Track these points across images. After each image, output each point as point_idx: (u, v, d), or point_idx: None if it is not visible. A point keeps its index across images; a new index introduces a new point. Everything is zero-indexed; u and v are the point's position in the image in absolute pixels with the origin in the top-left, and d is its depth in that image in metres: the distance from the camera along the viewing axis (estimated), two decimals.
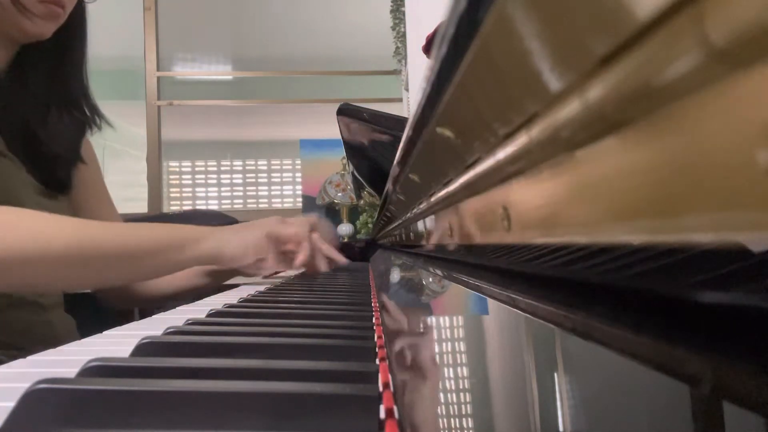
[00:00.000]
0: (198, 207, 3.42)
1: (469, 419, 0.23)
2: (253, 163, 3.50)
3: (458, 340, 0.30)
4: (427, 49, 0.83)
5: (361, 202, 2.11)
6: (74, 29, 0.86)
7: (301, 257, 0.84)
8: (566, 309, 0.15)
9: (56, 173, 0.82)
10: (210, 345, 0.32)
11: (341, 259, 0.97)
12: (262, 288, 0.85)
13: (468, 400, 0.24)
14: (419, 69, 1.54)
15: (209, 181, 3.48)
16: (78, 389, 0.22)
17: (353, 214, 2.25)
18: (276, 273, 0.90)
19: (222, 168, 3.50)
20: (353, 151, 1.20)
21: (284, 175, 3.51)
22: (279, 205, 3.48)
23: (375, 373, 0.26)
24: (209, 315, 0.46)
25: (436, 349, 0.32)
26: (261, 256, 0.81)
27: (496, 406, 0.21)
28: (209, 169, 3.49)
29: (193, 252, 0.75)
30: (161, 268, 0.74)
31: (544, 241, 0.16)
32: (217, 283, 0.99)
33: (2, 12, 0.74)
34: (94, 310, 0.97)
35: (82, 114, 0.89)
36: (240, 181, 3.49)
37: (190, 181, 3.46)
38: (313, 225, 0.89)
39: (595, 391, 0.14)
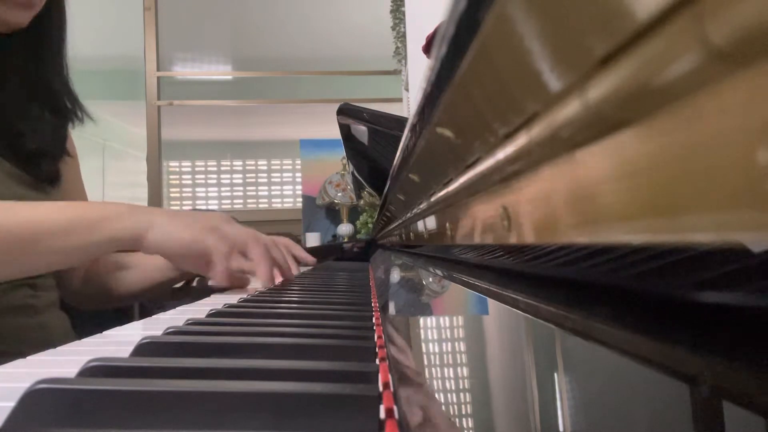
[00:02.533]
0: (198, 207, 3.42)
1: (469, 419, 0.23)
2: (253, 163, 3.50)
3: (458, 340, 0.30)
4: (427, 49, 0.83)
5: (361, 202, 2.11)
6: (52, 18, 0.82)
7: (262, 269, 0.73)
8: (566, 309, 0.15)
9: (42, 167, 0.78)
10: (210, 345, 0.32)
11: (308, 257, 0.88)
12: (261, 288, 0.84)
13: (468, 400, 0.24)
14: (419, 69, 1.54)
15: (209, 181, 3.49)
16: (78, 389, 0.22)
17: (353, 214, 2.25)
18: (228, 289, 0.78)
19: (222, 168, 3.50)
20: (353, 151, 1.20)
21: (284, 175, 3.51)
22: (279, 205, 3.48)
23: (375, 373, 0.26)
24: (209, 315, 0.46)
25: (437, 349, 0.32)
26: (199, 250, 0.70)
27: (496, 406, 0.21)
28: (209, 169, 3.49)
29: (108, 232, 0.65)
30: (72, 251, 0.64)
31: (544, 241, 0.16)
32: (185, 277, 0.91)
33: None
34: (92, 309, 0.96)
35: (63, 106, 0.85)
36: (240, 181, 3.49)
37: (190, 181, 3.46)
38: (268, 240, 0.78)
39: (595, 391, 0.14)
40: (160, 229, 0.68)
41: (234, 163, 3.50)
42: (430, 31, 0.83)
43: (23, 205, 0.64)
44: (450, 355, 0.30)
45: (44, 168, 0.79)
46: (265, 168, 3.51)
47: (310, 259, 0.92)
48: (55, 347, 0.39)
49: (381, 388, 0.24)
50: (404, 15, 1.85)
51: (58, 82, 0.84)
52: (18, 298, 0.74)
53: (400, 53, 2.12)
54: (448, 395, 0.26)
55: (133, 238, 0.67)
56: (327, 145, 2.37)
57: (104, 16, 3.09)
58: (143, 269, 0.90)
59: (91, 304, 0.92)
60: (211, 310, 0.48)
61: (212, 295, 0.75)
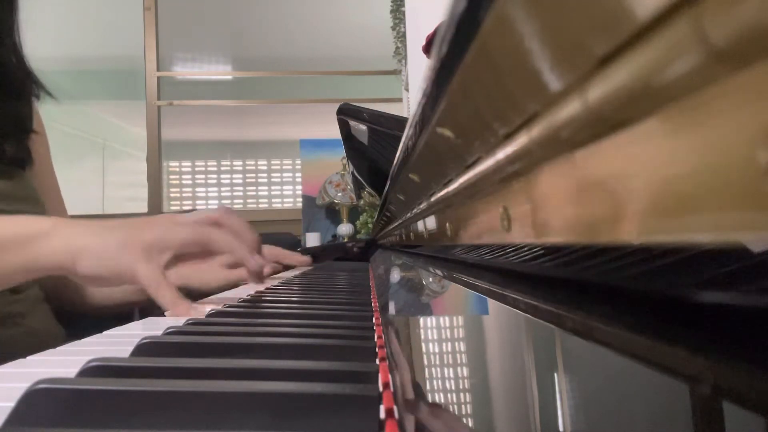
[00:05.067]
0: (198, 207, 3.42)
1: (469, 419, 0.23)
2: (253, 163, 3.50)
3: (458, 340, 0.30)
4: (427, 49, 0.83)
5: (361, 202, 2.11)
6: None
7: (249, 262, 0.61)
8: (566, 309, 0.15)
9: (5, 149, 0.72)
10: (210, 345, 0.32)
11: (297, 259, 0.78)
12: (262, 288, 0.84)
13: (468, 400, 0.24)
14: (419, 69, 1.54)
15: (209, 181, 3.49)
16: (78, 389, 0.22)
17: (353, 214, 2.25)
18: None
19: (222, 168, 3.50)
20: (353, 151, 1.20)
21: (284, 175, 3.51)
22: (279, 205, 3.48)
23: (375, 373, 0.26)
24: (209, 315, 0.46)
25: (437, 349, 0.32)
26: (134, 281, 0.55)
27: (496, 406, 0.21)
28: (209, 169, 3.49)
29: (29, 255, 0.53)
30: None
31: (545, 241, 0.16)
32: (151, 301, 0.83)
33: None
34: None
35: (21, 85, 0.79)
36: (240, 181, 3.49)
37: (190, 181, 3.46)
38: (217, 220, 0.62)
39: (595, 391, 0.14)
40: (90, 255, 0.55)
41: (234, 163, 3.50)
42: (430, 31, 0.83)
43: None
44: (450, 355, 0.30)
45: (8, 150, 0.73)
46: (265, 168, 3.51)
47: (303, 260, 0.81)
48: (51, 347, 0.39)
49: (381, 388, 0.24)
50: (404, 15, 1.85)
51: (13, 59, 0.79)
52: (0, 306, 0.68)
53: (400, 53, 2.12)
54: (448, 395, 0.26)
55: (57, 266, 0.55)
56: (327, 145, 2.37)
57: (104, 16, 3.09)
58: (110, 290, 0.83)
59: (64, 306, 0.85)
60: (211, 310, 0.48)
61: (212, 296, 0.74)
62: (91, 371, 0.25)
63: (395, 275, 0.74)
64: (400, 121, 0.99)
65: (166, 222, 0.59)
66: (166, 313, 0.57)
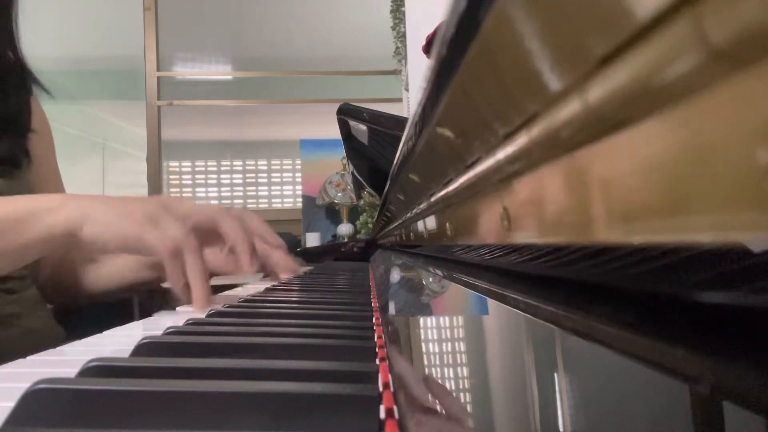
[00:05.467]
0: None
1: (469, 419, 0.23)
2: (253, 163, 3.50)
3: (458, 340, 0.30)
4: (427, 49, 0.83)
5: (361, 202, 2.11)
6: None
7: (244, 258, 0.61)
8: (566, 309, 0.15)
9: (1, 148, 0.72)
10: (210, 345, 0.32)
11: (290, 266, 0.75)
12: (261, 288, 0.84)
13: (468, 400, 0.24)
14: (419, 69, 1.54)
15: (209, 181, 3.49)
16: (78, 389, 0.22)
17: (353, 214, 2.25)
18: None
19: (222, 168, 3.50)
20: (353, 151, 1.20)
21: (284, 175, 3.51)
22: (279, 205, 3.48)
23: (375, 373, 0.26)
24: (209, 315, 0.46)
25: (437, 349, 0.32)
26: (141, 248, 0.56)
27: (496, 406, 0.21)
28: (209, 169, 3.49)
29: (38, 229, 0.55)
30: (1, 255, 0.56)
31: (545, 241, 0.16)
32: (162, 279, 0.80)
33: None
34: (92, 309, 0.95)
35: (18, 81, 0.78)
36: (240, 181, 3.49)
37: (190, 181, 3.47)
38: (235, 215, 0.64)
39: (595, 391, 0.14)
40: (96, 221, 0.56)
41: (234, 163, 3.51)
42: (430, 31, 0.83)
43: None
44: (450, 355, 0.30)
45: (2, 149, 0.73)
46: (265, 168, 3.51)
47: (297, 270, 0.80)
48: (51, 346, 0.39)
49: (381, 388, 0.24)
50: (404, 15, 1.85)
51: (10, 56, 0.78)
52: None
53: (400, 53, 2.12)
54: (448, 395, 0.25)
55: (67, 232, 0.56)
56: (327, 145, 2.37)
57: (104, 16, 3.09)
58: (114, 264, 0.83)
59: (60, 297, 0.84)
60: (211, 310, 0.48)
61: (212, 296, 0.74)
62: (91, 371, 0.25)
63: (395, 275, 0.74)
64: (400, 121, 0.99)
65: (176, 198, 0.62)
66: (177, 308, 0.58)
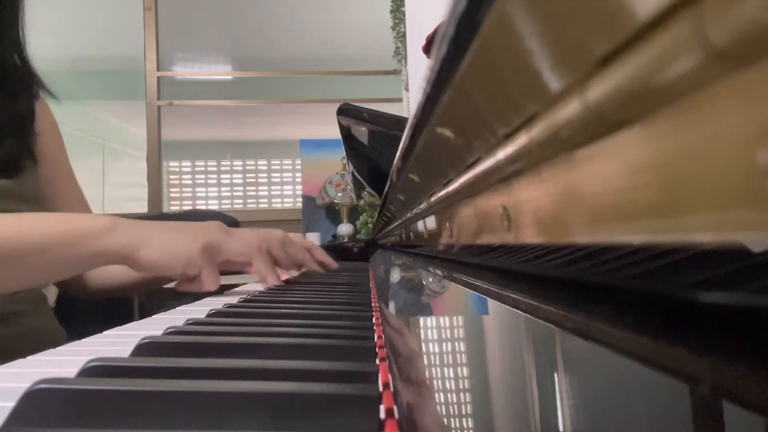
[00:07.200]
0: (198, 207, 3.42)
1: (469, 419, 0.23)
2: (253, 163, 3.51)
3: (458, 340, 0.30)
4: (427, 49, 0.83)
5: (361, 202, 2.11)
6: None
7: (263, 268, 0.71)
8: (566, 309, 0.15)
9: (2, 150, 0.73)
10: (210, 345, 0.32)
11: (329, 262, 0.87)
12: (261, 288, 0.84)
13: (468, 400, 0.24)
14: (419, 69, 1.54)
15: (209, 181, 3.49)
16: (78, 389, 0.22)
17: (353, 214, 2.25)
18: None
19: (222, 168, 3.51)
20: (353, 151, 1.20)
21: (284, 175, 3.51)
22: (279, 205, 3.48)
23: (375, 373, 0.26)
24: (209, 315, 0.46)
25: (437, 349, 0.32)
26: (191, 270, 0.66)
27: (496, 406, 0.21)
28: (209, 169, 3.49)
29: (96, 247, 0.60)
30: (52, 268, 0.60)
31: (544, 241, 0.16)
32: (154, 285, 0.87)
33: None
34: (92, 309, 0.95)
35: (23, 84, 0.80)
36: (240, 181, 3.49)
37: (190, 181, 3.47)
38: (277, 240, 0.76)
39: (595, 391, 0.14)
40: (153, 246, 0.63)
41: (234, 163, 3.51)
42: (430, 31, 0.83)
43: (7, 217, 0.59)
44: (450, 355, 0.30)
45: (6, 150, 0.74)
46: (265, 168, 3.51)
47: (333, 264, 0.89)
48: (54, 346, 0.39)
49: (381, 388, 0.24)
50: (404, 15, 1.85)
51: (16, 59, 0.79)
52: (1, 306, 0.70)
53: (400, 53, 2.12)
54: (448, 395, 0.26)
55: (122, 255, 0.62)
56: (327, 145, 2.37)
57: (104, 16, 3.09)
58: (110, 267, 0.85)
59: (60, 287, 0.88)
60: (211, 310, 0.48)
61: (212, 296, 0.74)
62: (91, 371, 0.25)
63: (395, 275, 0.74)
64: (400, 121, 0.99)
65: (225, 231, 0.70)
66: (177, 308, 0.63)
